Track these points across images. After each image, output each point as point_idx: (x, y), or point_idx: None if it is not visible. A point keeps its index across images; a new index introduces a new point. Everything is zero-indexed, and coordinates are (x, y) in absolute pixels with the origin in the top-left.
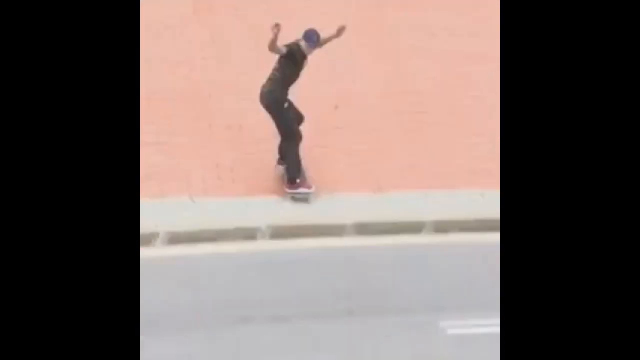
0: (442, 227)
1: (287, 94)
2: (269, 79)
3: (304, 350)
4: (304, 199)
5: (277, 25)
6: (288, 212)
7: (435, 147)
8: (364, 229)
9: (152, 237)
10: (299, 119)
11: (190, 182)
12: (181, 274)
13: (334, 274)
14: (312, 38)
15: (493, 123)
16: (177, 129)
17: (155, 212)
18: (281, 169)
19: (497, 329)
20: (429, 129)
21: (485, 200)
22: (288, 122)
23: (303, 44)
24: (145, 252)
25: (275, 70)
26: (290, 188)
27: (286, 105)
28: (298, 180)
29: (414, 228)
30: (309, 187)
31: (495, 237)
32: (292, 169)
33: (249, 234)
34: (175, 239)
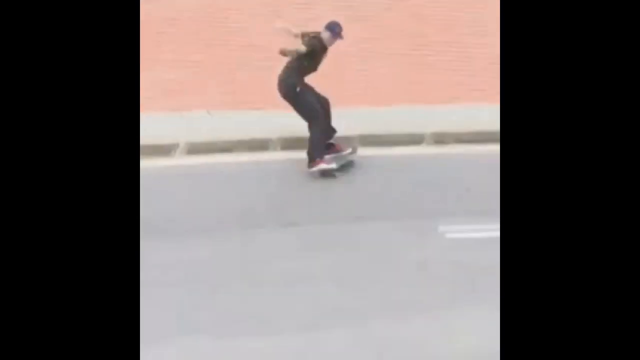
0: (440, 139)
1: (302, 80)
2: (285, 67)
3: (311, 251)
4: (330, 173)
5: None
6: (297, 125)
7: (436, 64)
8: (369, 140)
9: (172, 148)
10: (324, 106)
11: (207, 97)
12: (199, 182)
13: (341, 181)
14: (335, 29)
15: (492, 40)
16: (195, 48)
17: (175, 125)
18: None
19: (493, 233)
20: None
21: (482, 113)
22: (306, 104)
23: (326, 35)
24: (165, 162)
25: (292, 60)
26: (311, 166)
27: (298, 89)
28: (318, 159)
29: (415, 139)
30: (341, 151)
31: (489, 148)
32: (313, 149)
33: (262, 145)
34: (194, 149)
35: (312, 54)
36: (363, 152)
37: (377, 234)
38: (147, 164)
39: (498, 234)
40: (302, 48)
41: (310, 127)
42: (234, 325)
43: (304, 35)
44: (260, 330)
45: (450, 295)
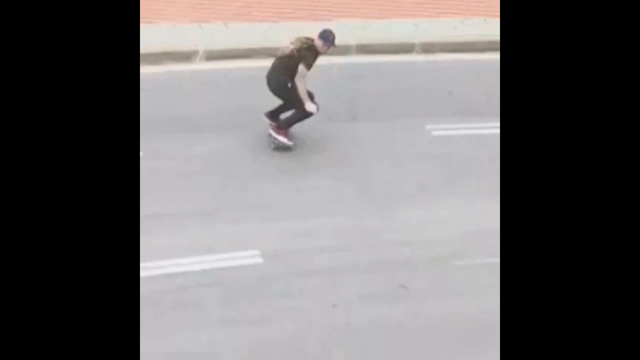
0: (428, 48)
1: (293, 79)
2: (275, 67)
3: (311, 146)
4: (284, 148)
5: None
6: (305, 34)
7: None
8: (364, 49)
9: (192, 55)
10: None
11: (224, 10)
12: (217, 85)
13: (341, 85)
14: (329, 38)
15: None
16: None
17: (195, 35)
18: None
19: (474, 131)
20: None
21: (465, 26)
22: (298, 98)
23: (319, 43)
24: (187, 67)
25: (285, 62)
26: (275, 133)
27: (289, 85)
28: (284, 131)
29: (405, 49)
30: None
31: (472, 57)
32: (287, 122)
33: (272, 52)
34: (212, 56)
35: (308, 61)
36: (358, 59)
37: (371, 132)
38: (169, 68)
39: (479, 131)
40: (304, 70)
41: (296, 110)
42: (242, 211)
43: (298, 42)
44: (263, 215)
45: (442, 181)
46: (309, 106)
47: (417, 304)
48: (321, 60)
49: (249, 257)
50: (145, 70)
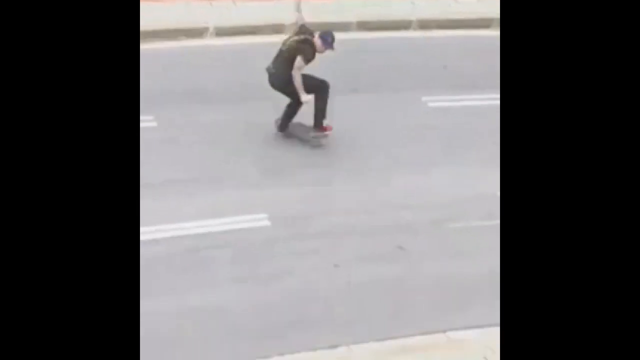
0: (424, 25)
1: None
2: (276, 63)
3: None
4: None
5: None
6: (308, 12)
7: None
8: (365, 26)
9: (203, 31)
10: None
11: None
12: (226, 60)
13: (343, 60)
14: (328, 40)
15: None
16: None
17: (205, 12)
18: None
19: (468, 102)
20: None
21: (458, 5)
22: (307, 88)
23: (318, 42)
24: (197, 42)
25: (284, 57)
26: (317, 131)
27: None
28: (325, 124)
29: (403, 25)
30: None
31: (465, 33)
32: (321, 117)
33: (278, 29)
34: (221, 32)
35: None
36: (359, 35)
37: (370, 103)
38: (183, 44)
39: (475, 102)
40: (301, 62)
41: (317, 99)
42: (250, 178)
43: (301, 29)
44: (270, 182)
45: (440, 150)
46: (304, 97)
47: (415, 264)
48: None
49: (256, 221)
50: (162, 45)
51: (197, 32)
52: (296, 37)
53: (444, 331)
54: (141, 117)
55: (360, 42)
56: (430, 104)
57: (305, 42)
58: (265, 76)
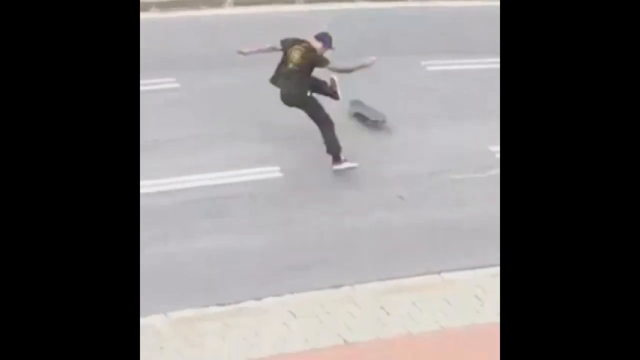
0: None
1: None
2: (286, 81)
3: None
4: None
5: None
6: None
7: None
8: None
9: (222, 1)
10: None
11: None
12: (243, 28)
13: (346, 29)
14: (326, 40)
15: None
16: None
17: None
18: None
19: (465, 66)
20: None
21: None
22: (320, 106)
23: (318, 45)
24: (217, 12)
25: (293, 72)
26: (336, 164)
27: (309, 93)
28: (342, 156)
29: None
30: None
31: (463, 4)
32: (335, 149)
33: (289, 0)
34: (239, 2)
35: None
36: (359, 5)
37: (373, 68)
38: (201, 13)
39: (470, 67)
40: (332, 66)
41: (324, 129)
42: (265, 134)
43: (289, 42)
44: (284, 137)
45: (438, 109)
46: (368, 60)
47: (414, 212)
48: (333, 6)
49: (270, 173)
50: (184, 14)
51: (216, 2)
52: (299, 51)
53: (439, 272)
54: (164, 79)
55: (361, 12)
56: (429, 68)
57: (311, 50)
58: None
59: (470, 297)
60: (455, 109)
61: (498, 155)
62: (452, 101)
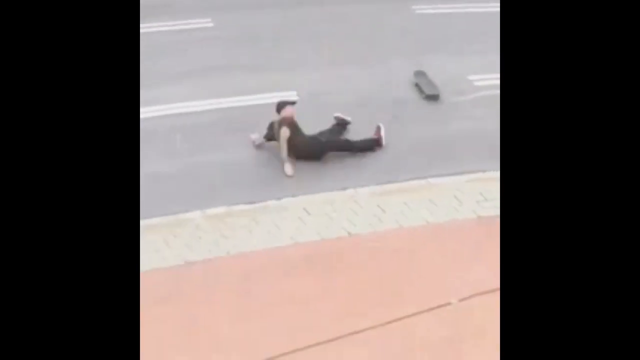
0: None
1: (307, 143)
2: (292, 148)
3: (316, 24)
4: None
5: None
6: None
7: None
8: None
9: None
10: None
11: None
12: None
13: None
14: (287, 104)
15: None
16: None
17: None
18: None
19: (454, 10)
20: None
21: None
22: (339, 142)
23: (289, 111)
24: None
25: (291, 139)
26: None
27: (323, 140)
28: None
29: None
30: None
31: None
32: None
33: None
34: None
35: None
36: None
37: (363, 12)
38: None
39: (457, 10)
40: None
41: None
42: (282, 64)
43: (274, 124)
44: (299, 66)
45: (430, 44)
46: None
47: (409, 129)
48: None
49: (288, 96)
50: None
51: None
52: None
53: (426, 178)
54: (199, 20)
55: None
56: (418, 11)
57: (288, 121)
58: None
59: (451, 198)
60: (440, 45)
61: (476, 83)
62: (437, 39)
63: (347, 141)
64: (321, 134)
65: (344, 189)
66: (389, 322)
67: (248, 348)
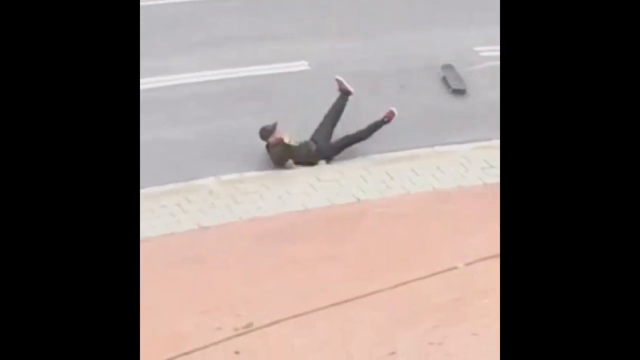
0: None
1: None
2: (297, 159)
3: None
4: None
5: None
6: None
7: None
8: None
9: None
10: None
11: None
12: None
13: None
14: (270, 130)
15: None
16: None
17: None
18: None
19: None
20: None
21: None
22: (347, 139)
23: (277, 137)
24: None
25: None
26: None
27: (330, 141)
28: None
29: None
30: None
31: None
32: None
33: None
34: None
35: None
36: None
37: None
38: None
39: None
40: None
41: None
42: (293, 31)
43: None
44: (309, 35)
45: (429, 18)
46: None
47: (414, 99)
48: None
49: (298, 66)
50: None
51: None
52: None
53: (433, 146)
54: None
55: None
56: None
57: (281, 145)
58: None
59: (457, 166)
60: (446, 17)
61: (482, 54)
62: (443, 11)
63: (351, 137)
64: (318, 132)
65: (353, 157)
66: (397, 285)
67: (259, 310)
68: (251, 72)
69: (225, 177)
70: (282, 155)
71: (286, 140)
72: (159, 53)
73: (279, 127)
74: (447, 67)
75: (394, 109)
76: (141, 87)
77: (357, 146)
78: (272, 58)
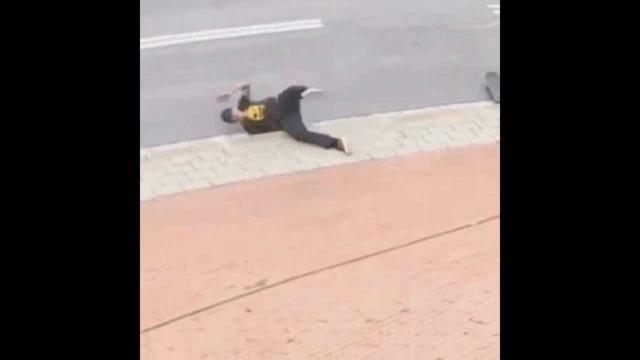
0: None
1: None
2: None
3: None
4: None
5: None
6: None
7: None
8: None
9: None
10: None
11: None
12: None
13: None
14: (231, 111)
15: None
16: None
17: None
18: None
19: None
20: None
21: None
22: (316, 136)
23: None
24: None
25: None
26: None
27: (307, 129)
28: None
29: None
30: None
31: None
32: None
33: None
34: None
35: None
36: None
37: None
38: None
39: None
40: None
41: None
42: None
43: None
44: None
45: None
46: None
47: (427, 56)
48: None
49: (312, 24)
50: None
51: None
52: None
53: (447, 104)
54: None
55: None
56: None
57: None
58: None
59: (471, 124)
60: None
61: (495, 12)
62: None
63: (306, 132)
64: (271, 100)
65: (367, 114)
66: (410, 243)
67: (271, 268)
68: (264, 30)
69: (238, 136)
70: (255, 130)
71: (250, 116)
72: (170, 10)
73: (236, 110)
74: (491, 75)
75: (344, 141)
76: (153, 44)
77: (370, 104)
78: (286, 16)
